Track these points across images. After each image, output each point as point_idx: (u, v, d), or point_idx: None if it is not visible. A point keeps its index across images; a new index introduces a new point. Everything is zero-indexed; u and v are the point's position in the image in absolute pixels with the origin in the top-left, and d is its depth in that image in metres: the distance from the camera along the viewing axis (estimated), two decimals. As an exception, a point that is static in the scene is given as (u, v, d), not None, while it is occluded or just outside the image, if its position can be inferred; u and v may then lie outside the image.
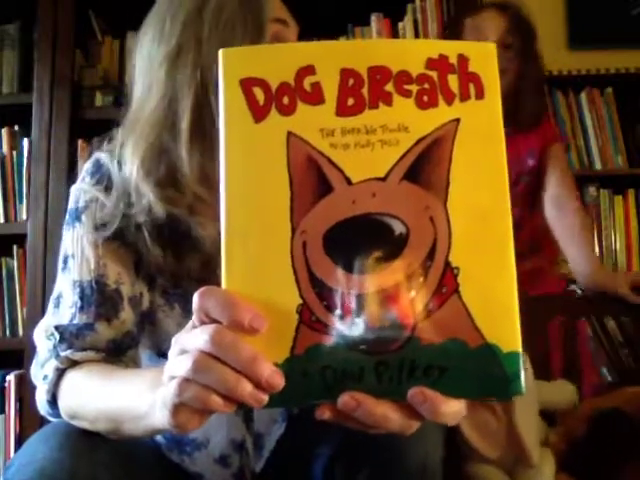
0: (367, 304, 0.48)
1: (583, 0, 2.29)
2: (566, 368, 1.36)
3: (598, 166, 2.18)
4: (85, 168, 0.88)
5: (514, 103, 1.64)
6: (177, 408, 0.49)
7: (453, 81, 0.50)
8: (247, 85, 0.50)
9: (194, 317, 0.50)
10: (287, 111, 0.50)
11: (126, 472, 0.74)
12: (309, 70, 0.50)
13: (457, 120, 0.50)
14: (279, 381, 0.47)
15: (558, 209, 1.66)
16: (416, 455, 0.79)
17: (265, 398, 0.47)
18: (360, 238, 0.48)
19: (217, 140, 0.80)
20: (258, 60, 0.51)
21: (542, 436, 1.12)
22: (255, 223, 0.49)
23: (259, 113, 0.50)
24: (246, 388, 0.47)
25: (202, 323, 0.49)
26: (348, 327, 0.48)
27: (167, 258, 0.82)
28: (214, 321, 0.48)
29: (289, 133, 0.50)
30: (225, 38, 0.81)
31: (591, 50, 2.25)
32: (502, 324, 0.49)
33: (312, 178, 0.49)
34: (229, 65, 0.51)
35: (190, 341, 0.49)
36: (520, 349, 0.48)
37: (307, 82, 0.50)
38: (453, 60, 0.51)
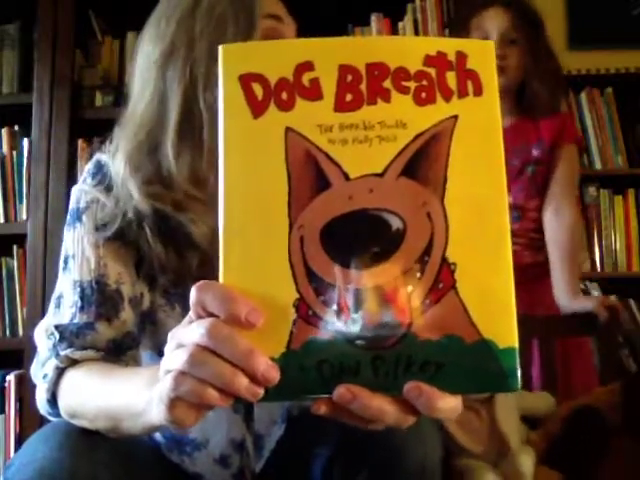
0: (364, 299, 0.48)
1: (583, 0, 2.29)
2: (544, 382, 1.45)
3: (598, 166, 2.18)
4: (86, 169, 0.89)
5: (524, 94, 1.64)
6: (173, 403, 0.49)
7: (451, 78, 0.50)
8: (246, 81, 0.50)
9: (191, 311, 0.50)
10: (286, 107, 0.50)
11: (126, 472, 0.74)
12: (308, 66, 0.50)
13: (455, 117, 0.50)
14: (274, 375, 0.47)
15: (556, 220, 1.66)
16: (415, 456, 0.80)
17: (261, 392, 0.47)
18: (357, 233, 0.49)
19: (206, 138, 0.81)
20: (257, 56, 0.51)
21: (523, 437, 1.18)
22: (253, 218, 0.49)
23: (258, 108, 0.50)
24: (242, 382, 0.47)
25: (199, 317, 0.49)
26: (345, 322, 0.48)
27: (169, 254, 0.82)
28: (211, 315, 0.48)
29: (287, 128, 0.50)
30: (216, 35, 0.81)
31: (591, 50, 2.25)
32: (499, 320, 0.49)
33: (310, 173, 0.49)
34: (228, 61, 0.51)
35: (186, 335, 0.49)
36: (517, 345, 0.48)
37: (306, 78, 0.50)
38: (451, 57, 0.51)
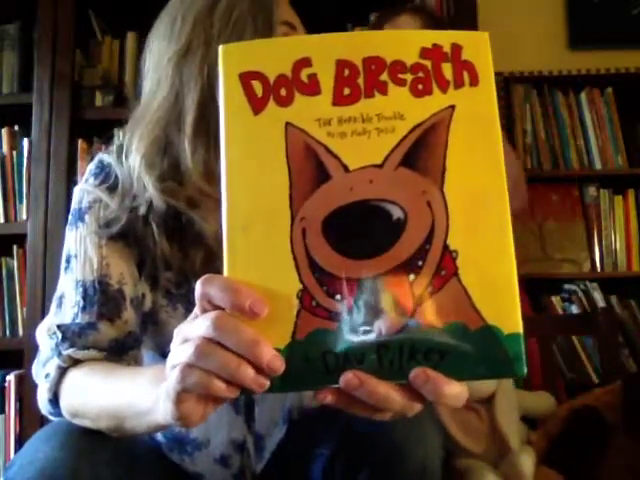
0: (366, 289, 0.48)
1: (583, 0, 2.30)
2: (543, 381, 1.47)
3: (598, 166, 2.19)
4: (88, 169, 0.90)
5: None
6: (180, 397, 0.49)
7: (447, 69, 0.51)
8: (246, 79, 0.51)
9: (197, 306, 0.50)
10: (285, 102, 0.51)
11: (127, 471, 0.75)
12: (305, 62, 0.51)
13: (452, 107, 0.50)
14: (280, 364, 0.47)
15: None
16: (416, 456, 0.80)
17: (267, 382, 0.47)
18: (358, 224, 0.49)
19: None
20: (256, 54, 0.52)
21: (523, 437, 1.19)
22: (256, 211, 0.50)
23: (258, 105, 0.51)
24: (248, 372, 0.47)
25: (204, 312, 0.49)
26: (348, 312, 0.48)
27: (173, 251, 0.82)
28: (216, 308, 0.48)
29: (287, 123, 0.50)
30: (235, 37, 0.82)
31: (591, 50, 2.26)
32: (502, 306, 0.49)
33: (310, 166, 0.50)
34: (228, 60, 0.52)
35: (192, 329, 0.49)
36: (521, 330, 0.48)
37: (304, 74, 0.51)
38: (447, 49, 0.51)
